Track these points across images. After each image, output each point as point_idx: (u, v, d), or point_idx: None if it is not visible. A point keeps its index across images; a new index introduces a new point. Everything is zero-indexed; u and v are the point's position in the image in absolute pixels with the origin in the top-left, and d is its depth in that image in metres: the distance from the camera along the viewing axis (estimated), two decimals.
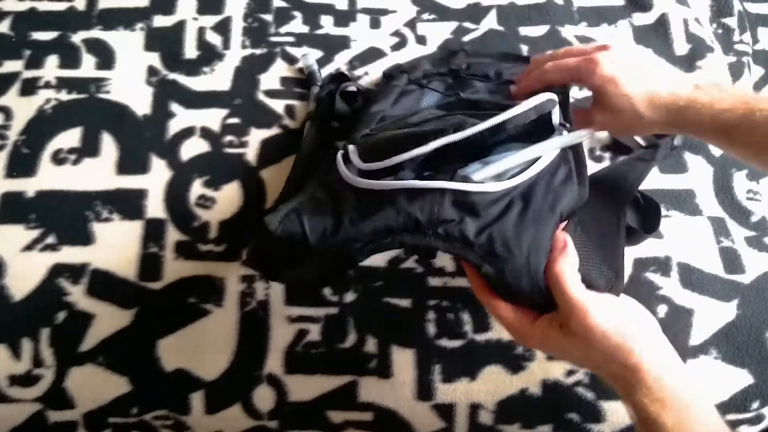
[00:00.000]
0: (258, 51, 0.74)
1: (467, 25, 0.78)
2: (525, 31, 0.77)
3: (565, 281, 0.43)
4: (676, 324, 0.60)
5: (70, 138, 0.68)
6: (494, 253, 0.44)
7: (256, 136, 0.68)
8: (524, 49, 0.76)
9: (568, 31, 0.77)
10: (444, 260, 0.62)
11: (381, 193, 0.46)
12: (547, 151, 0.48)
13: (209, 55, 0.74)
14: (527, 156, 0.47)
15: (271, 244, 0.47)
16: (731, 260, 0.62)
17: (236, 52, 0.74)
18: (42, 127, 0.68)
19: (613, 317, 0.43)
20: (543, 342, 0.46)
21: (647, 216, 0.60)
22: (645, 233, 0.59)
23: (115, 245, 0.62)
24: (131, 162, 0.67)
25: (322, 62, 0.74)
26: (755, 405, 0.58)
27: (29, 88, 0.71)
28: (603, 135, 0.67)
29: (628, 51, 0.56)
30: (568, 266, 0.44)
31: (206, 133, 0.68)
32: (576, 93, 0.71)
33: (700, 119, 0.50)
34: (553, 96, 0.47)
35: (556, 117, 0.48)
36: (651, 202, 0.61)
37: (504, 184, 0.46)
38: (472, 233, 0.44)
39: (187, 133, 0.69)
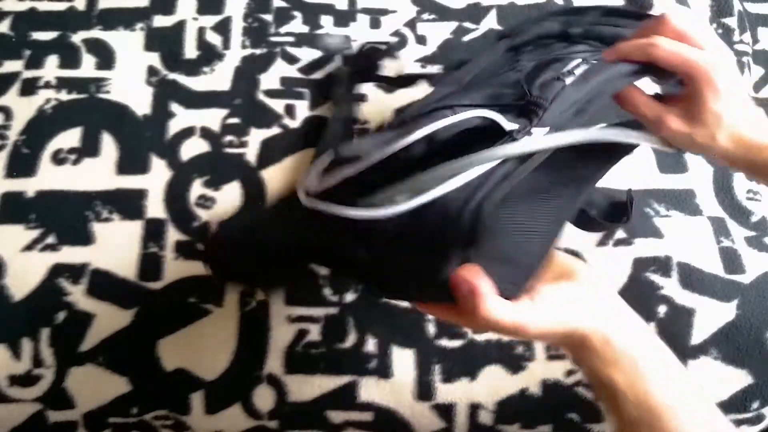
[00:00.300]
0: (258, 51, 0.74)
1: (467, 25, 0.78)
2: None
3: (495, 317, 0.40)
4: (676, 324, 0.60)
5: (70, 138, 0.68)
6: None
7: (256, 136, 0.68)
8: None
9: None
10: None
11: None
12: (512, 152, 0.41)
13: (209, 55, 0.74)
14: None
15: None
16: (731, 260, 0.62)
17: (236, 52, 0.74)
18: (42, 127, 0.68)
19: (550, 314, 0.42)
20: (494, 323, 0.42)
21: (616, 207, 0.56)
22: (612, 222, 0.56)
23: (115, 245, 0.62)
24: (131, 162, 0.67)
25: (321, 62, 0.74)
26: (755, 405, 0.58)
27: (29, 88, 0.71)
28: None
29: (733, 64, 0.48)
30: (489, 300, 0.40)
31: (206, 133, 0.68)
32: None
33: None
34: (487, 115, 0.41)
35: (506, 125, 0.42)
36: (623, 194, 0.56)
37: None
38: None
39: (187, 133, 0.69)
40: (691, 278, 0.61)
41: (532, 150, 0.41)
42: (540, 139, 0.42)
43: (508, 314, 0.40)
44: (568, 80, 0.46)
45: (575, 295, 0.43)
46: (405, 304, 0.60)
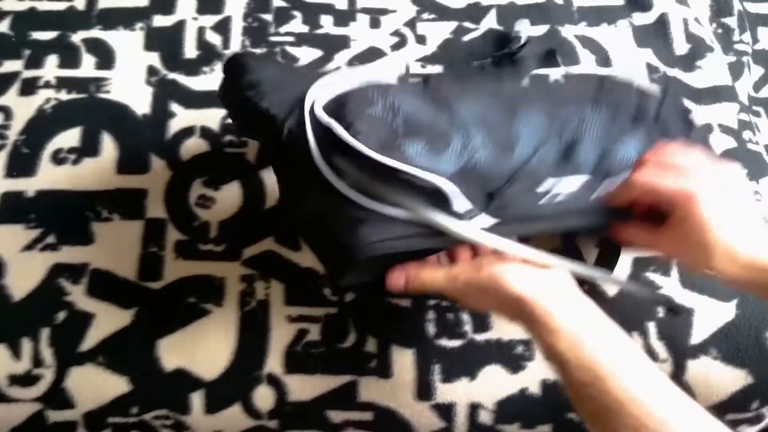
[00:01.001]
0: (258, 51, 0.74)
1: (467, 25, 0.78)
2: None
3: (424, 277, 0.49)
4: (676, 324, 0.60)
5: (69, 138, 0.68)
6: None
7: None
8: None
9: (567, 31, 0.77)
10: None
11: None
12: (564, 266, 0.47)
13: (209, 55, 0.74)
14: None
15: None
16: None
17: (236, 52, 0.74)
18: (42, 127, 0.68)
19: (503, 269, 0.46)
20: (466, 284, 0.47)
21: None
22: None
23: (115, 245, 0.62)
24: (131, 162, 0.67)
25: (321, 62, 0.74)
26: (755, 404, 0.58)
27: (29, 87, 0.71)
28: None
29: (727, 185, 0.47)
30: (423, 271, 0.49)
31: (206, 132, 0.68)
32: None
33: None
34: (444, 188, 0.46)
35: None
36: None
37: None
38: None
39: (187, 132, 0.69)
40: (691, 278, 0.61)
41: (465, 236, 0.46)
42: (476, 231, 0.46)
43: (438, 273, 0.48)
44: (542, 201, 0.50)
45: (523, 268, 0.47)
46: (405, 304, 0.60)
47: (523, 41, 0.71)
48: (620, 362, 0.42)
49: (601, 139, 0.55)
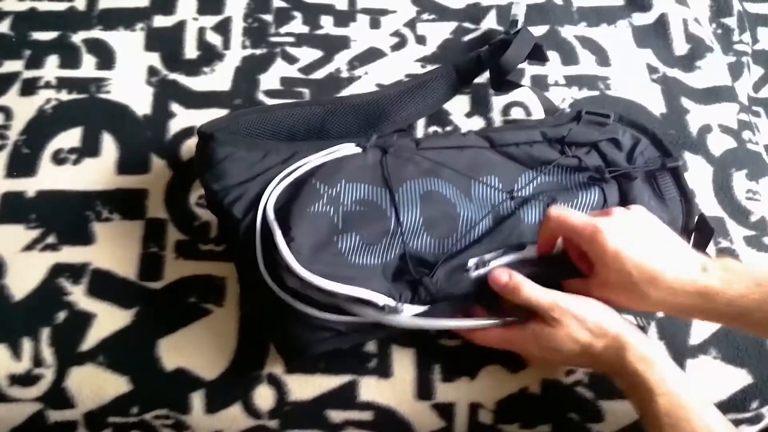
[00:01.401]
0: (258, 51, 0.74)
1: (467, 25, 0.78)
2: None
3: (527, 291, 0.50)
4: (676, 324, 0.60)
5: (70, 138, 0.68)
6: None
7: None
8: None
9: (567, 31, 0.77)
10: None
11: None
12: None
13: (209, 55, 0.74)
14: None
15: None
16: None
17: (236, 52, 0.74)
18: (42, 127, 0.68)
19: (581, 303, 0.50)
20: (537, 343, 0.51)
21: None
22: None
23: (115, 245, 0.62)
24: (131, 162, 0.67)
25: (321, 62, 0.74)
26: (754, 404, 0.58)
27: (29, 88, 0.71)
28: None
29: (634, 220, 0.50)
30: (521, 279, 0.51)
31: None
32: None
33: (714, 306, 0.47)
34: (364, 296, 0.49)
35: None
36: None
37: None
38: None
39: (187, 133, 0.69)
40: None
41: (393, 324, 0.50)
42: (406, 319, 0.51)
43: (545, 293, 0.50)
44: (474, 273, 0.53)
45: (593, 303, 0.51)
46: None
47: (519, 26, 0.71)
48: (699, 400, 0.47)
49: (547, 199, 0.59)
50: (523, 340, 0.51)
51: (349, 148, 0.59)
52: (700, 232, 0.57)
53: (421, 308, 0.52)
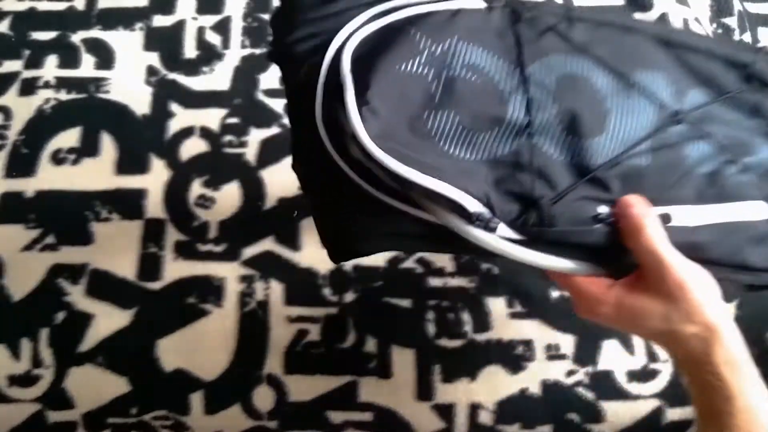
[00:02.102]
0: (258, 51, 0.74)
1: None
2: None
3: (652, 237, 0.38)
4: None
5: (69, 138, 0.68)
6: None
7: (256, 136, 0.68)
8: None
9: None
10: (444, 260, 0.62)
11: None
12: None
13: (209, 55, 0.74)
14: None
15: None
16: None
17: (236, 52, 0.74)
18: (41, 127, 0.68)
19: (699, 277, 0.39)
20: (617, 306, 0.40)
21: None
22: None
23: (114, 245, 0.62)
24: (131, 162, 0.67)
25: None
26: None
27: (29, 88, 0.71)
28: None
29: None
30: (654, 223, 0.38)
31: (206, 132, 0.68)
32: None
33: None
34: (457, 199, 0.36)
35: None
36: None
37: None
38: None
39: (186, 132, 0.68)
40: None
41: (475, 240, 0.37)
42: (493, 240, 0.37)
43: (666, 246, 0.38)
44: (603, 225, 0.38)
45: (710, 281, 0.40)
46: (405, 304, 0.59)
47: None
48: None
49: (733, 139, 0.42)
50: (601, 305, 0.41)
51: (469, 1, 0.42)
52: None
53: (517, 236, 0.38)
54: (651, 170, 0.39)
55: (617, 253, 0.38)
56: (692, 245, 0.38)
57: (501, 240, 0.37)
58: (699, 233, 0.39)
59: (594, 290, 0.41)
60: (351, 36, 0.39)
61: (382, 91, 0.37)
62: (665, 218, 0.38)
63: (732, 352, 0.40)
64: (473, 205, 0.36)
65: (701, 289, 0.39)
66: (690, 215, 0.39)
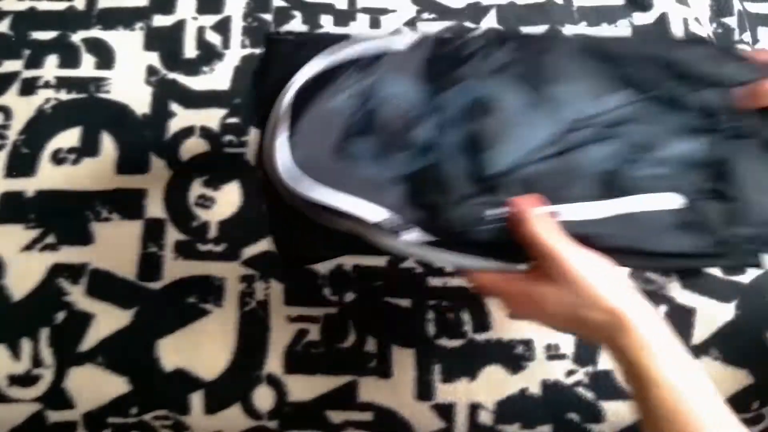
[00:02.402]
0: (258, 50, 0.74)
1: (467, 25, 0.78)
2: (525, 30, 0.77)
3: (536, 229, 0.42)
4: (677, 323, 0.59)
5: (69, 137, 0.68)
6: None
7: (256, 136, 0.68)
8: None
9: (568, 31, 0.77)
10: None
11: None
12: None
13: (209, 55, 0.74)
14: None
15: None
16: None
17: (236, 52, 0.74)
18: (41, 127, 0.68)
19: (595, 266, 0.42)
20: (529, 294, 0.42)
21: None
22: None
23: (114, 245, 0.62)
24: (131, 162, 0.67)
25: None
26: (755, 405, 0.58)
27: (29, 87, 0.71)
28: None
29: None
30: (538, 216, 0.42)
31: (206, 132, 0.68)
32: None
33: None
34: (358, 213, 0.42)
35: None
36: None
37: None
38: None
39: (186, 132, 0.68)
40: (691, 279, 0.61)
41: (386, 247, 0.43)
42: (399, 244, 0.43)
43: (554, 238, 0.41)
44: (489, 225, 0.43)
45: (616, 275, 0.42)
46: (405, 304, 0.60)
47: None
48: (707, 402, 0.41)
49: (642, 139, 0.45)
50: (513, 288, 0.43)
51: (405, 37, 0.49)
52: None
53: (428, 238, 0.43)
54: (548, 174, 0.44)
55: (515, 249, 0.42)
56: (593, 236, 0.42)
57: (408, 243, 0.43)
58: (599, 225, 0.43)
59: (508, 286, 0.43)
60: (300, 75, 0.47)
61: (308, 124, 0.44)
62: (554, 214, 0.43)
63: (644, 336, 0.40)
64: (383, 215, 0.43)
65: (599, 278, 0.41)
66: (585, 210, 0.43)
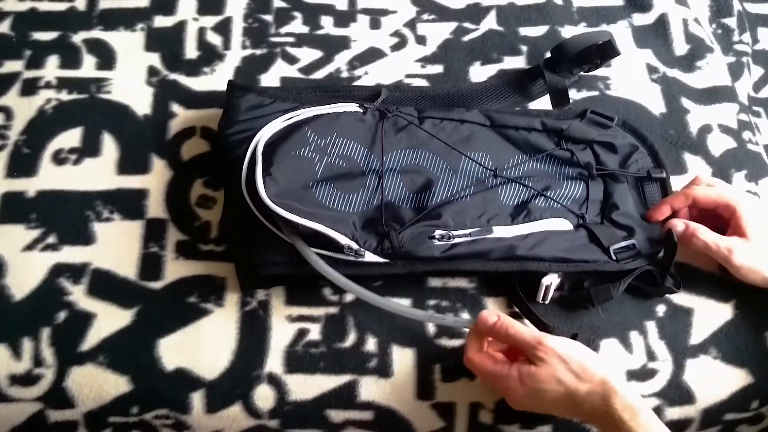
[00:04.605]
0: (258, 51, 0.74)
1: (467, 25, 0.78)
2: (524, 31, 0.77)
3: (514, 327, 0.52)
4: (676, 323, 0.60)
5: (70, 138, 0.68)
6: None
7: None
8: (524, 49, 0.76)
9: (567, 32, 0.77)
10: None
11: None
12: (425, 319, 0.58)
13: (209, 56, 0.74)
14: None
15: None
16: None
17: (236, 53, 0.74)
18: (43, 127, 0.68)
19: (567, 344, 0.51)
20: (521, 378, 0.50)
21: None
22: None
23: (115, 245, 0.62)
24: (132, 162, 0.67)
25: (321, 62, 0.74)
26: (755, 404, 0.58)
27: (30, 88, 0.71)
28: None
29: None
30: (504, 321, 0.52)
31: (207, 133, 0.69)
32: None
33: None
34: (329, 233, 0.55)
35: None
36: None
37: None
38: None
39: (187, 133, 0.69)
40: (690, 278, 0.61)
41: (327, 274, 0.54)
42: (335, 274, 0.55)
43: (530, 331, 0.52)
44: (441, 242, 0.56)
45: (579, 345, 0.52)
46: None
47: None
48: None
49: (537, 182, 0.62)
50: (508, 380, 0.51)
51: (350, 107, 0.63)
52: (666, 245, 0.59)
53: (381, 260, 0.56)
54: (472, 204, 0.60)
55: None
56: (514, 247, 0.57)
57: (344, 278, 0.55)
58: (521, 239, 0.58)
59: (499, 369, 0.51)
60: (264, 131, 0.60)
61: (280, 167, 0.57)
62: (487, 231, 0.58)
63: (628, 399, 0.48)
64: (343, 240, 0.55)
65: (582, 353, 0.50)
66: (507, 230, 0.59)
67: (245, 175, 0.57)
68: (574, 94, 0.72)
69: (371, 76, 0.73)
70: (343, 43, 0.75)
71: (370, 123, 0.63)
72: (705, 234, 0.57)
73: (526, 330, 0.52)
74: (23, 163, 0.66)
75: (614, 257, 0.58)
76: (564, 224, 0.61)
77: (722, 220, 0.59)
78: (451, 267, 0.57)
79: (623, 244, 0.59)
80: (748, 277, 0.57)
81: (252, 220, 0.57)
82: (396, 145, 0.62)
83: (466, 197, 0.60)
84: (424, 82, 0.73)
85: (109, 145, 0.68)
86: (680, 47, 0.76)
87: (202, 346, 0.58)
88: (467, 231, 0.58)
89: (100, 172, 0.66)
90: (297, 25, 0.77)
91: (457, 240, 0.57)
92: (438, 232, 0.57)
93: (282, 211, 0.54)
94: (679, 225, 0.58)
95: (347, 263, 0.56)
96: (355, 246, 0.55)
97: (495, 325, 0.52)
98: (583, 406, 0.49)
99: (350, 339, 0.59)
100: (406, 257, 0.56)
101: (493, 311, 0.56)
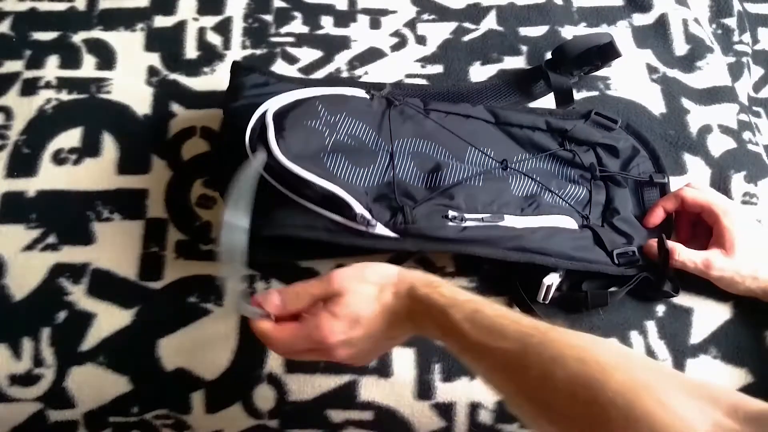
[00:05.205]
0: (258, 51, 0.74)
1: (467, 25, 0.78)
2: (524, 31, 0.77)
3: (298, 285, 0.48)
4: (676, 323, 0.60)
5: (70, 138, 0.68)
6: None
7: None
8: (524, 49, 0.76)
9: (567, 32, 0.77)
10: (444, 260, 0.62)
11: None
12: None
13: (209, 56, 0.74)
14: None
15: None
16: None
17: (236, 53, 0.74)
18: (42, 127, 0.68)
19: (354, 266, 0.49)
20: (334, 315, 0.46)
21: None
22: None
23: (115, 245, 0.62)
24: (132, 162, 0.67)
25: (321, 62, 0.74)
26: None
27: (30, 88, 0.71)
28: None
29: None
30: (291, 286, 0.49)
31: (207, 133, 0.69)
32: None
33: None
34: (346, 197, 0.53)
35: None
36: None
37: None
38: None
39: (187, 133, 0.69)
40: (690, 279, 0.61)
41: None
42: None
43: (315, 280, 0.48)
44: (454, 223, 0.55)
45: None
46: None
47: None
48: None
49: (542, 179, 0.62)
50: (322, 326, 0.45)
51: (358, 92, 0.63)
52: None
53: (392, 234, 0.54)
54: (483, 190, 0.59)
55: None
56: (523, 238, 0.56)
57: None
58: (529, 232, 0.57)
59: (308, 323, 0.46)
60: (272, 102, 0.58)
61: (292, 134, 0.55)
62: (499, 217, 0.57)
63: (426, 278, 0.47)
64: (358, 208, 0.53)
65: (364, 267, 0.48)
66: (517, 220, 0.58)
67: (249, 142, 0.55)
68: (574, 95, 0.72)
69: (371, 76, 0.73)
70: (343, 43, 0.75)
71: (377, 110, 0.62)
72: (682, 254, 0.58)
73: (310, 281, 0.48)
74: (23, 163, 0.66)
75: (616, 261, 0.59)
76: (570, 222, 0.60)
77: (707, 226, 0.60)
78: (462, 249, 0.56)
79: (623, 250, 0.59)
80: (731, 288, 0.58)
81: (262, 186, 0.52)
82: (403, 134, 0.61)
83: (478, 183, 0.59)
84: (424, 82, 0.73)
85: (109, 145, 0.68)
86: (680, 47, 0.76)
87: (202, 345, 0.58)
88: (479, 216, 0.56)
89: (100, 172, 0.66)
90: (297, 25, 0.77)
91: (469, 223, 0.56)
92: (451, 213, 0.56)
93: (299, 169, 0.52)
94: (272, 298, 0.48)
95: (357, 233, 0.54)
96: (368, 216, 0.53)
97: (281, 302, 0.47)
98: (399, 314, 0.46)
99: None
100: (417, 234, 0.55)
101: (266, 292, 0.49)
